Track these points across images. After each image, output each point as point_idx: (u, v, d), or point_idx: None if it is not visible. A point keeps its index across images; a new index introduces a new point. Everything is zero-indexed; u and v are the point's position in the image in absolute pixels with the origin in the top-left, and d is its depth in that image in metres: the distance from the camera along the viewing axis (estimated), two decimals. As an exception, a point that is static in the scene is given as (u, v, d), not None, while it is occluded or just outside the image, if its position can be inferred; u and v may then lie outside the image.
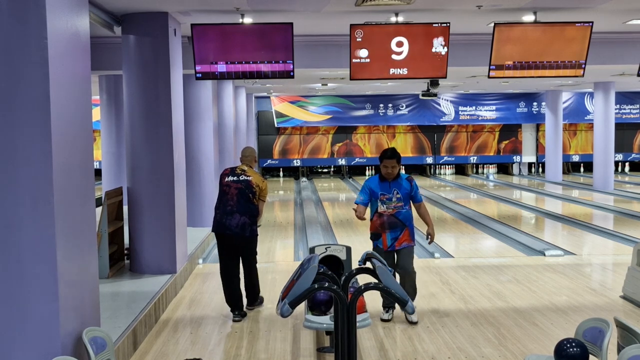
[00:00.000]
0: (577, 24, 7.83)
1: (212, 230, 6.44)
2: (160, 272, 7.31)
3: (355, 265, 5.24)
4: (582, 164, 24.45)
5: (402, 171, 7.12)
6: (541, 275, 8.04)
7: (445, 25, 7.63)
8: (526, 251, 9.68)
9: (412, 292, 6.24)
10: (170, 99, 7.34)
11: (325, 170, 25.01)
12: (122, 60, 7.44)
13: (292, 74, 7.67)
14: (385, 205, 6.16)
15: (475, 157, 24.11)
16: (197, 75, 7.71)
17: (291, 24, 7.50)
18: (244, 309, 6.49)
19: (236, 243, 6.34)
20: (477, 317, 6.32)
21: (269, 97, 22.92)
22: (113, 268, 7.36)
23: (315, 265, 4.16)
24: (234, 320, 6.28)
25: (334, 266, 5.52)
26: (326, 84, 16.79)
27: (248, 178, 6.36)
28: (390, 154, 6.12)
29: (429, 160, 23.91)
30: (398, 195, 6.12)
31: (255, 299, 6.68)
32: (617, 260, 8.92)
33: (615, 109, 19.06)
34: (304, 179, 23.09)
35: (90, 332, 4.04)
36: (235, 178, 6.37)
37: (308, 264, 4.35)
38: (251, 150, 6.62)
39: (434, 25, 7.65)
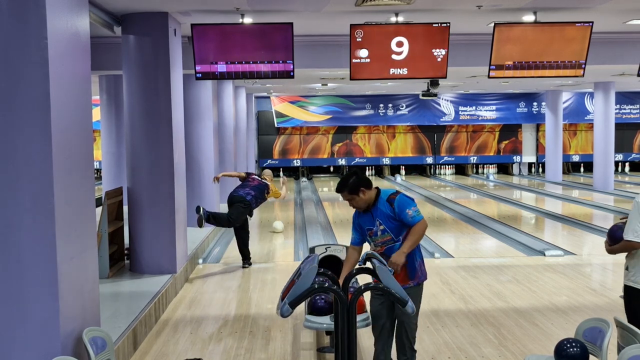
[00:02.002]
0: (577, 24, 7.83)
1: (227, 201, 8.64)
2: (160, 272, 7.31)
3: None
4: (582, 164, 24.45)
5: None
6: (541, 275, 8.04)
7: (445, 25, 7.63)
8: (526, 251, 9.68)
9: (408, 349, 4.59)
10: (170, 99, 7.34)
11: (325, 166, 24.95)
12: (122, 60, 7.44)
13: (292, 74, 7.67)
14: (373, 243, 4.60)
15: (475, 157, 24.10)
16: (197, 75, 7.71)
17: (291, 24, 7.50)
18: (247, 263, 8.87)
19: (235, 202, 8.49)
20: (477, 317, 6.32)
21: (269, 97, 22.91)
22: (113, 268, 7.36)
23: (315, 265, 4.15)
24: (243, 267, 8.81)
25: (334, 266, 5.52)
26: (326, 84, 16.79)
27: (268, 183, 8.97)
28: (339, 187, 4.56)
29: (429, 160, 23.91)
30: (382, 227, 4.49)
31: (245, 258, 8.86)
32: (617, 260, 8.89)
33: (615, 109, 19.05)
34: (304, 179, 23.09)
35: (90, 332, 4.04)
36: (259, 179, 8.99)
37: (308, 264, 4.35)
38: (269, 172, 9.40)
39: (434, 25, 7.65)
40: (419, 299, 4.53)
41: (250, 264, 8.86)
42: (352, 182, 4.47)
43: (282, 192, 9.27)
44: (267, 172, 9.41)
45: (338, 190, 4.55)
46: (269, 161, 23.22)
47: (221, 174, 9.66)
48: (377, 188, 4.57)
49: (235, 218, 8.47)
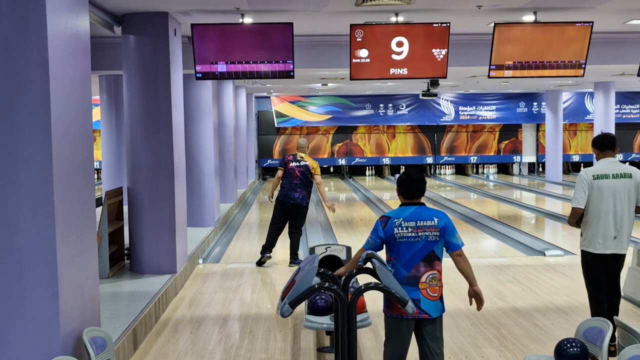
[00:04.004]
0: (577, 24, 7.83)
1: (279, 199, 8.80)
2: (160, 272, 7.31)
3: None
4: (582, 164, 24.43)
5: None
6: (541, 275, 8.04)
7: (445, 25, 7.63)
8: (526, 251, 9.68)
9: None
10: (170, 99, 7.34)
11: (325, 165, 24.92)
12: (122, 60, 7.44)
13: (292, 74, 7.67)
14: None
15: (476, 157, 24.10)
16: (197, 75, 7.71)
17: (291, 24, 7.50)
18: (266, 257, 8.82)
19: (294, 209, 8.73)
20: (477, 317, 6.32)
21: (269, 97, 22.91)
22: (113, 268, 7.36)
23: (315, 265, 4.16)
24: (261, 261, 8.80)
25: (334, 266, 5.52)
26: (326, 84, 16.78)
27: (306, 163, 8.71)
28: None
29: (429, 160, 23.91)
30: None
31: (296, 258, 8.79)
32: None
33: (615, 109, 19.04)
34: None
35: (90, 332, 4.04)
36: (297, 164, 8.70)
37: (308, 264, 4.35)
38: (304, 141, 9.09)
39: (434, 25, 7.65)
40: (385, 333, 4.24)
41: (262, 263, 8.85)
42: (397, 179, 4.33)
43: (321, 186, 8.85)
44: (302, 144, 9.00)
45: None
46: (269, 161, 23.22)
47: (270, 191, 9.13)
48: (407, 203, 4.20)
49: (301, 226, 8.94)
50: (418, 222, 4.07)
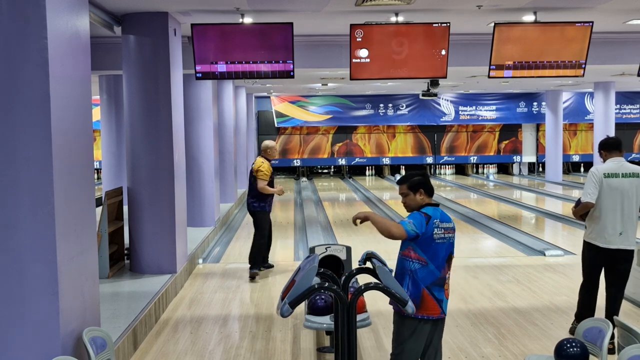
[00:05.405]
0: (577, 24, 7.83)
1: None
2: (160, 272, 7.31)
3: (355, 265, 5.23)
4: (582, 164, 24.45)
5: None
6: (541, 275, 8.04)
7: (445, 25, 7.63)
8: (526, 251, 9.68)
9: None
10: (170, 99, 7.34)
11: (325, 170, 24.99)
12: (122, 60, 7.44)
13: (292, 74, 7.67)
14: None
15: (476, 157, 24.10)
16: (197, 75, 7.71)
17: (291, 24, 7.50)
18: (256, 270, 8.13)
19: (252, 216, 8.38)
20: (477, 317, 6.32)
21: (269, 97, 22.91)
22: (113, 268, 7.36)
23: (315, 265, 4.15)
24: (250, 277, 8.09)
25: (334, 266, 5.52)
26: (326, 84, 16.78)
27: (252, 166, 8.17)
28: (402, 179, 4.40)
29: (429, 160, 23.91)
30: None
31: (255, 264, 8.12)
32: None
33: (616, 109, 19.03)
34: (304, 179, 23.08)
35: (90, 332, 4.04)
36: (250, 168, 8.28)
37: (308, 264, 4.35)
38: (267, 144, 8.31)
39: (434, 25, 7.65)
40: (399, 335, 4.09)
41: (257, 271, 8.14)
42: (409, 179, 4.33)
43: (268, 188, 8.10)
44: (264, 146, 8.27)
45: (400, 182, 4.35)
46: (269, 161, 23.18)
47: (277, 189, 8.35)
48: (430, 203, 4.23)
49: (262, 232, 8.28)
50: (446, 223, 4.11)
